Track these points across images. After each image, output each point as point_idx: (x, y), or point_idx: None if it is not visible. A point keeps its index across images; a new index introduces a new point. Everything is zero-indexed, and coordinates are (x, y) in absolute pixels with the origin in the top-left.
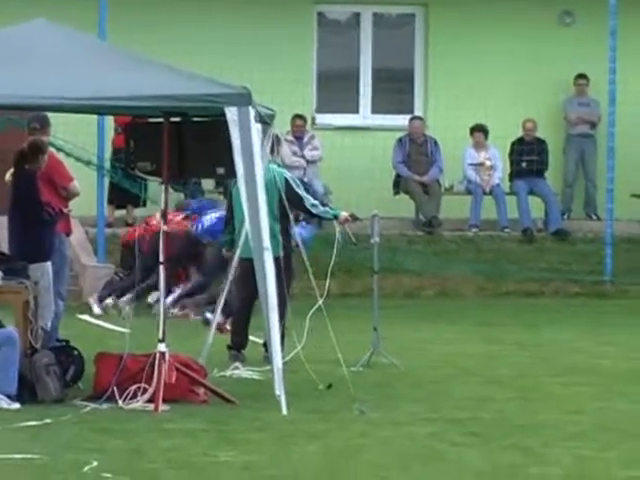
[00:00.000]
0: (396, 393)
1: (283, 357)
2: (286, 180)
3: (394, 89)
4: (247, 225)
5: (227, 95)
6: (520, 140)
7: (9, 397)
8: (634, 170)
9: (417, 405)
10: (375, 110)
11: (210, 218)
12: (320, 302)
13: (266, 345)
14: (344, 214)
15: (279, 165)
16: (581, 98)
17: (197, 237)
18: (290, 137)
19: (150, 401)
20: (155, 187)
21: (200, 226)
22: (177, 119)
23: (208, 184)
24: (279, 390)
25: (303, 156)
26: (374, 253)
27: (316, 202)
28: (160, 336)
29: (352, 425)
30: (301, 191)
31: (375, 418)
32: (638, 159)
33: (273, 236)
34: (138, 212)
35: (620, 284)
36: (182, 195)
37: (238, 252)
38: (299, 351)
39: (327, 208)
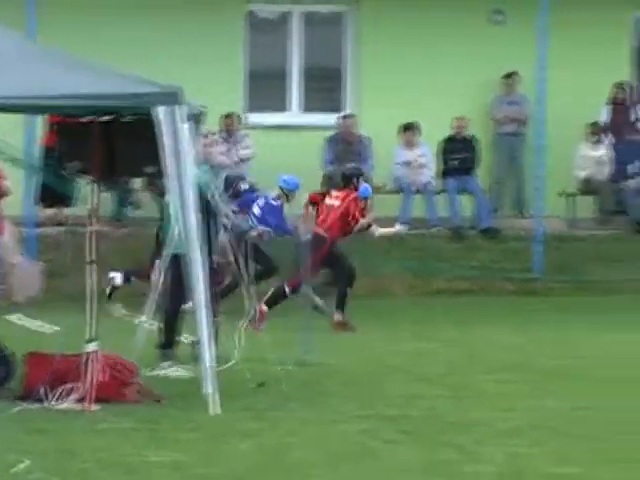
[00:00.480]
0: (327, 391)
1: (217, 359)
2: (204, 182)
3: (325, 88)
4: (176, 223)
5: (156, 94)
6: (450, 138)
7: None
8: (562, 168)
9: (348, 403)
10: (306, 109)
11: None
12: (253, 304)
13: (197, 343)
14: (254, 233)
15: (206, 165)
16: (511, 97)
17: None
18: (220, 136)
19: (81, 401)
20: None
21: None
22: (107, 118)
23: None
24: (210, 388)
25: (234, 155)
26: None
27: (229, 212)
28: (91, 335)
29: (284, 423)
30: (216, 197)
31: (307, 416)
32: (566, 157)
33: (202, 235)
34: (69, 211)
35: (547, 281)
36: None
37: (169, 249)
38: (234, 350)
39: (239, 221)
